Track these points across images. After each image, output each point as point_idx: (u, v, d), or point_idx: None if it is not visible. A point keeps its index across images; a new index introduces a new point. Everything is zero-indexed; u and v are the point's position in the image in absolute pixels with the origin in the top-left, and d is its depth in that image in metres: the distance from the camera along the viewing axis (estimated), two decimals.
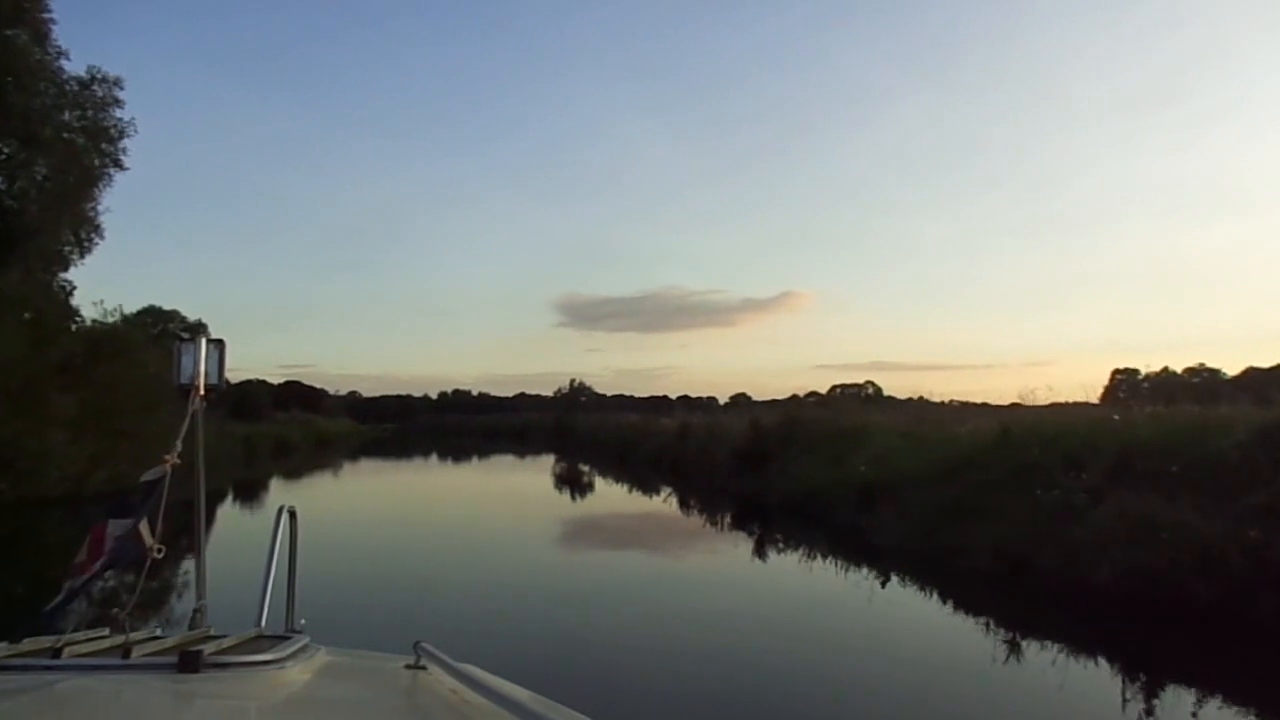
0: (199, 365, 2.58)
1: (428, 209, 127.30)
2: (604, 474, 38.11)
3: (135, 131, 30.90)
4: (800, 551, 16.32)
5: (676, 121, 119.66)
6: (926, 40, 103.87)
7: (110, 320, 29.88)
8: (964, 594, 11.57)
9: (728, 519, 21.79)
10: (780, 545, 17.74)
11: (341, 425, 77.01)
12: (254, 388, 62.01)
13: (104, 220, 31.51)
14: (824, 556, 15.34)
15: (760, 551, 17.04)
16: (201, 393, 2.57)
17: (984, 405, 25.43)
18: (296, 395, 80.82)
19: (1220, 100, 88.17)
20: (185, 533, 2.79)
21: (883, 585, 12.79)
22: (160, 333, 63.85)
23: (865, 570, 13.65)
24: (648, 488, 30.43)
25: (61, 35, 28.42)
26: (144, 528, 2.17)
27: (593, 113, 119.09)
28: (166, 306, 59.35)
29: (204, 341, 2.64)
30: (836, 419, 23.37)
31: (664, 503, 26.39)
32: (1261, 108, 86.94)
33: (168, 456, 2.26)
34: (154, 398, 25.80)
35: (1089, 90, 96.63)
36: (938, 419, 22.39)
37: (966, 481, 14.15)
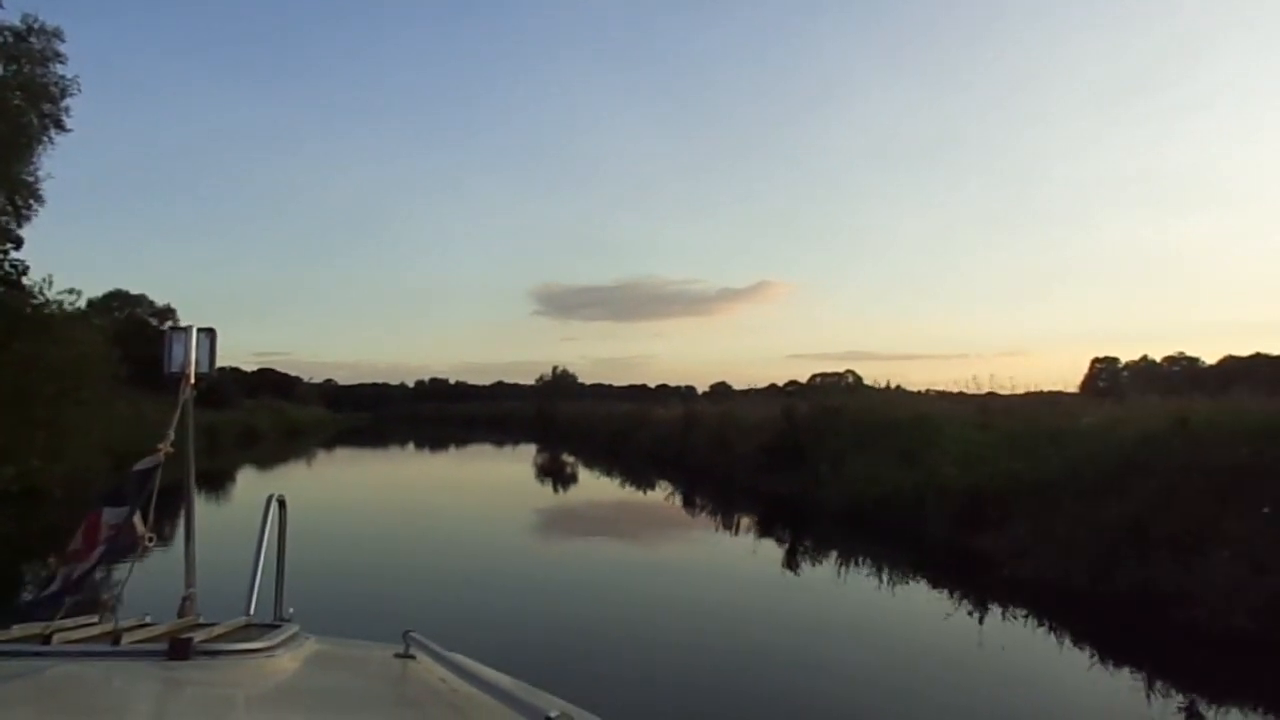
0: (189, 354, 2.46)
1: (407, 197, 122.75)
2: (593, 466, 33.94)
3: (79, 90, 26.81)
4: (877, 576, 12.11)
5: (657, 112, 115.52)
6: (906, 33, 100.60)
7: (36, 292, 25.25)
8: (1236, 674, 7.40)
9: (753, 522, 17.74)
10: (842, 563, 13.52)
11: (314, 413, 71.99)
12: (224, 374, 57.27)
13: (52, 190, 27.12)
14: (919, 585, 11.24)
15: (797, 564, 13.10)
16: (192, 381, 2.44)
17: (960, 395, 22.44)
18: (270, 383, 76.13)
19: (1195, 93, 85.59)
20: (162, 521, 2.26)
21: (1039, 639, 8.72)
22: (127, 317, 59.71)
23: (1006, 617, 9.51)
24: (648, 483, 26.31)
25: (46, 16, 24.51)
26: (136, 516, 2.12)
27: (573, 103, 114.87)
28: (154, 296, 54.77)
29: (194, 330, 2.50)
30: (887, 408, 19.23)
31: (667, 500, 22.34)
32: (1237, 101, 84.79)
33: (161, 445, 2.21)
34: (78, 381, 21.23)
35: (1066, 83, 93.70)
36: (1005, 408, 18.39)
37: (1138, 493, 10.04)
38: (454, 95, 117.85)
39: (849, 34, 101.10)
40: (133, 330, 57.94)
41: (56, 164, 26.83)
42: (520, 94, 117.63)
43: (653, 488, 25.11)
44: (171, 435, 2.25)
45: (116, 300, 59.34)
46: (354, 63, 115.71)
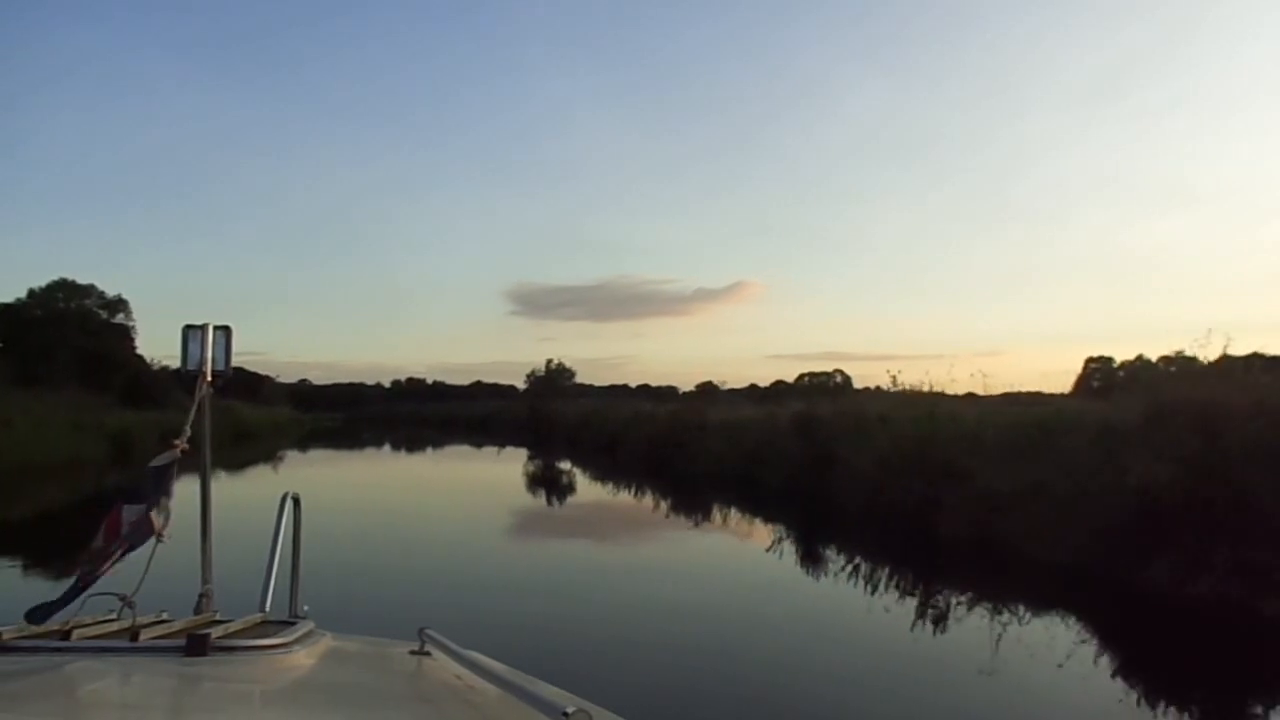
0: (205, 352, 2.29)
1: (383, 198, 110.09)
2: (633, 490, 22.19)
3: None
4: None
5: (633, 112, 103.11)
6: (882, 32, 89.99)
7: None
8: None
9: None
10: None
11: (276, 414, 59.14)
12: (168, 374, 45.27)
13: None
14: None
15: None
16: (209, 379, 2.29)
17: (939, 394, 17.96)
18: (238, 381, 63.65)
19: (1171, 93, 76.77)
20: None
21: None
22: (75, 309, 49.18)
23: None
24: (780, 539, 14.80)
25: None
26: (153, 512, 1.98)
27: (549, 103, 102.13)
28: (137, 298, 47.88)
29: (210, 328, 2.32)
30: None
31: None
32: (1211, 100, 75.90)
33: (177, 442, 2.07)
34: None
35: (1043, 82, 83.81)
36: None
37: None
38: (431, 96, 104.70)
39: (827, 33, 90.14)
40: (76, 321, 46.31)
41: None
42: (495, 93, 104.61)
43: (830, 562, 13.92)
44: (188, 431, 2.11)
45: (62, 290, 47.67)
46: (327, 65, 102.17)
